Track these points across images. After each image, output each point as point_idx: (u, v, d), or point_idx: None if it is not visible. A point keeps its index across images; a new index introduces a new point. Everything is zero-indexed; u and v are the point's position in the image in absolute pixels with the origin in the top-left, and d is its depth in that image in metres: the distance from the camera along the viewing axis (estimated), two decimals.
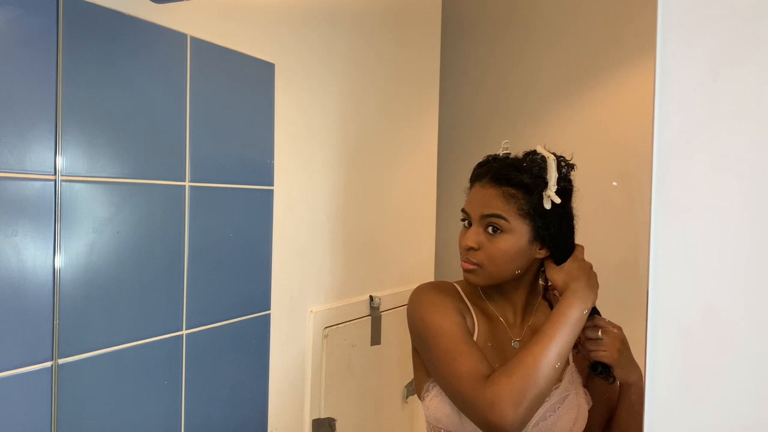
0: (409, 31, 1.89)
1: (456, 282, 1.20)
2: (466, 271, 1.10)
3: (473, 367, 0.99)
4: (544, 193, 1.05)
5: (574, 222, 1.12)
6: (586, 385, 1.15)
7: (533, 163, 1.08)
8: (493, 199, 1.07)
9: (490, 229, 1.07)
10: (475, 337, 1.09)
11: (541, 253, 1.10)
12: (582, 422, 1.10)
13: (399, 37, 1.81)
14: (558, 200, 1.05)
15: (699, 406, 0.50)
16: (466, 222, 1.12)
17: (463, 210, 1.13)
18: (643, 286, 0.97)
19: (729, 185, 0.49)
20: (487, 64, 2.31)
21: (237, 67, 1.21)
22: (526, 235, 1.07)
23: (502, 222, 1.06)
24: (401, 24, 1.83)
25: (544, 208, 1.06)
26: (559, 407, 1.07)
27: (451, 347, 1.02)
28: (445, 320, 1.05)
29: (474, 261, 1.08)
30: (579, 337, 1.06)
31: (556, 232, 1.08)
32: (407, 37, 1.87)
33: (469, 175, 1.18)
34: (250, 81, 1.25)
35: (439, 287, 1.14)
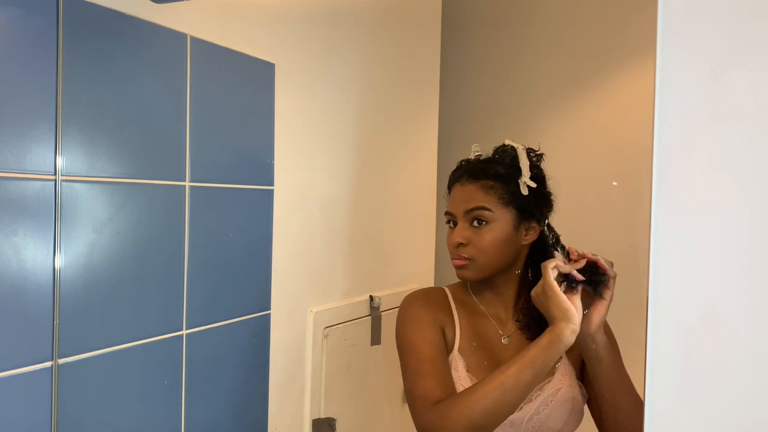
0: (409, 30, 1.88)
1: (447, 286, 1.24)
2: (458, 267, 1.14)
3: (428, 390, 1.03)
4: (519, 181, 1.11)
5: (553, 202, 1.17)
6: (582, 377, 1.16)
7: (505, 154, 1.15)
8: (474, 194, 1.12)
9: (475, 223, 1.11)
10: (456, 343, 1.13)
11: (528, 239, 1.14)
12: (577, 415, 1.11)
13: (399, 37, 1.81)
14: (533, 185, 1.11)
15: (699, 406, 0.50)
16: (450, 223, 1.16)
17: (446, 213, 1.17)
18: (643, 286, 0.97)
19: (729, 185, 0.49)
20: (487, 64, 2.31)
21: (237, 67, 1.21)
22: (511, 222, 1.11)
23: (486, 213, 1.10)
24: (401, 24, 1.83)
25: (522, 195, 1.11)
26: (552, 400, 1.09)
27: (415, 367, 1.07)
28: (417, 337, 1.10)
29: (465, 256, 1.12)
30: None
31: (538, 215, 1.14)
32: (407, 37, 1.87)
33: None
34: (250, 81, 1.25)
35: (425, 297, 1.18)
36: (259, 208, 1.29)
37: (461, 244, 1.11)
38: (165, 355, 1.08)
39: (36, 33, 0.86)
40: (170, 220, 1.09)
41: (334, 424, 1.52)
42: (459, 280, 1.19)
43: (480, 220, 1.10)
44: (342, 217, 1.58)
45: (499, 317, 1.17)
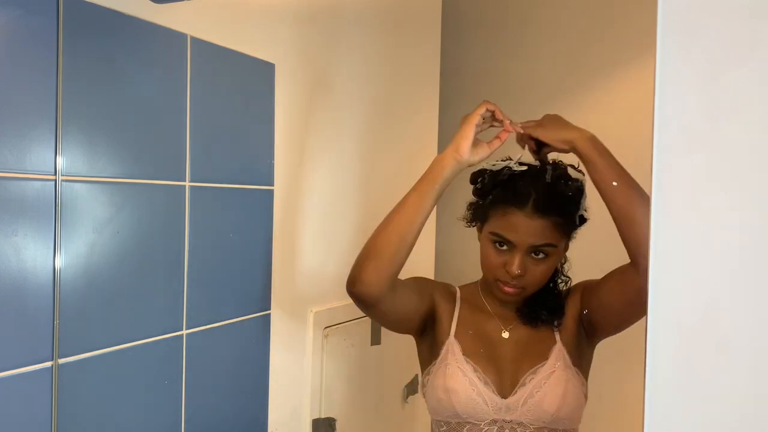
0: (409, 31, 1.88)
1: (459, 286, 1.27)
2: (509, 294, 1.13)
3: None
4: (577, 214, 1.13)
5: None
6: (578, 364, 1.17)
7: (577, 192, 1.13)
8: (545, 230, 1.08)
9: (533, 254, 1.10)
10: (453, 329, 1.17)
11: (563, 260, 1.20)
12: (572, 398, 1.12)
13: (399, 37, 1.81)
14: (589, 218, 1.14)
15: (699, 406, 0.50)
16: (497, 244, 1.11)
17: (498, 234, 1.10)
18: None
19: (729, 185, 0.49)
20: (487, 64, 2.31)
21: (237, 67, 1.21)
22: (563, 250, 1.15)
23: (552, 249, 1.10)
24: (401, 24, 1.83)
25: (576, 225, 1.14)
26: (545, 383, 1.11)
27: None
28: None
29: (520, 285, 1.12)
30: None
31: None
32: (407, 37, 1.87)
33: (475, 181, 1.19)
34: (250, 81, 1.25)
35: (434, 280, 1.27)
36: (259, 208, 1.29)
37: (520, 275, 1.10)
38: (165, 355, 1.08)
39: (36, 33, 0.86)
40: (170, 220, 1.09)
41: (334, 424, 1.52)
42: (471, 281, 1.24)
43: (541, 252, 1.10)
44: (342, 217, 1.57)
45: (503, 315, 1.20)
